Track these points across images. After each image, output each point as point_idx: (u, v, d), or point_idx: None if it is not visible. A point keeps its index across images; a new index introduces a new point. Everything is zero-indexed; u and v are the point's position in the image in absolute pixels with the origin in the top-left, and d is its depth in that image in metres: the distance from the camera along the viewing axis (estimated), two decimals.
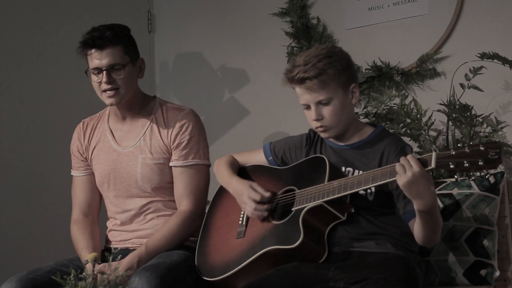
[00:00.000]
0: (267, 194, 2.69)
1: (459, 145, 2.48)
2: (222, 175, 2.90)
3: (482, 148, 2.24)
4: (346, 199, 2.58)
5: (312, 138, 2.80)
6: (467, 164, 2.26)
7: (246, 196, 2.71)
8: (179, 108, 3.03)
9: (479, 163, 2.24)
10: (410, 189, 2.35)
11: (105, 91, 2.88)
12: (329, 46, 2.72)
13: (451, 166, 2.29)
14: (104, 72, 2.86)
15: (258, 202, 2.68)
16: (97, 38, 2.86)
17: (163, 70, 4.36)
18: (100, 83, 2.88)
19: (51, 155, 3.79)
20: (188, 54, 4.30)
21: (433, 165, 2.32)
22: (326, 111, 2.62)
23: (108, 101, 2.91)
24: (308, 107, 2.64)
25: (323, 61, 2.59)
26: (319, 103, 2.62)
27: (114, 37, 2.87)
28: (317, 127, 2.66)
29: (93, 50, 2.87)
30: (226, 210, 2.88)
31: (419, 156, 2.39)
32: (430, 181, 2.37)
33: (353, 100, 2.67)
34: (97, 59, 2.86)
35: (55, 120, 3.85)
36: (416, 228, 2.49)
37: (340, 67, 2.61)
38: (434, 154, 2.33)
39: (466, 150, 2.27)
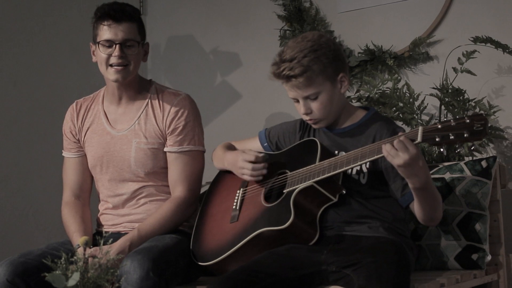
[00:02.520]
0: (260, 154, 2.71)
1: (445, 119, 2.46)
2: (218, 157, 2.92)
3: (468, 121, 2.25)
4: (337, 180, 2.58)
5: (305, 124, 2.79)
6: (452, 137, 2.26)
7: (241, 160, 2.72)
8: (175, 93, 3.00)
9: (464, 135, 2.24)
10: (406, 170, 2.36)
11: (112, 65, 2.86)
12: (316, 36, 2.65)
13: (437, 140, 2.29)
14: (117, 45, 2.84)
15: (254, 162, 2.69)
16: (118, 11, 2.85)
17: (155, 53, 4.33)
18: (109, 56, 2.87)
19: (42, 138, 3.78)
20: (180, 37, 4.28)
21: (419, 139, 2.32)
22: (314, 105, 2.62)
23: (114, 76, 2.87)
24: (297, 100, 2.64)
25: (308, 57, 2.57)
26: (307, 98, 2.61)
27: (133, 13, 2.88)
28: (307, 120, 2.67)
29: (110, 22, 2.84)
30: (221, 198, 2.88)
31: (403, 132, 2.40)
32: (422, 157, 2.38)
33: (342, 90, 2.65)
34: (112, 31, 2.84)
35: (47, 102, 3.82)
36: (416, 207, 2.51)
37: (325, 61, 2.59)
38: (420, 128, 2.34)
39: (452, 123, 2.28)
